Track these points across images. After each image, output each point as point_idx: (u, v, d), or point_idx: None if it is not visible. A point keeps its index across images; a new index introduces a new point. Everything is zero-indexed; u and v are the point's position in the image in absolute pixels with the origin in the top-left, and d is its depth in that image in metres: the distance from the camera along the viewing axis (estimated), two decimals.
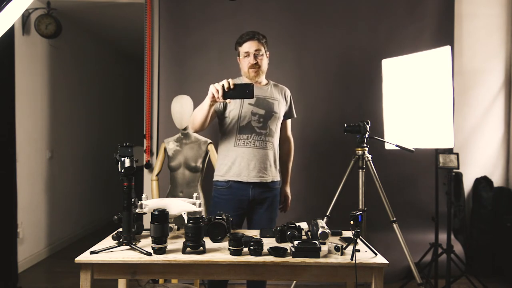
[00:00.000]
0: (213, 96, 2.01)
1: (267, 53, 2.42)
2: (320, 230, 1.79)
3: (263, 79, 2.42)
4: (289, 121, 2.58)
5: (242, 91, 1.99)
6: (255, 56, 2.32)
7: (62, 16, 4.12)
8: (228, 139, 2.35)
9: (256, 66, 2.33)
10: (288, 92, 2.52)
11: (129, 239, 1.68)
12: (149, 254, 1.61)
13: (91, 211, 5.33)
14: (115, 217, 1.79)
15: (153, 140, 3.70)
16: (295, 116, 2.57)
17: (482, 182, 3.70)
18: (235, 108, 2.32)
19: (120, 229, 1.75)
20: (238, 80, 2.40)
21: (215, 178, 2.40)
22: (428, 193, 3.51)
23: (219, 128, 2.42)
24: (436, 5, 3.65)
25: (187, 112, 2.98)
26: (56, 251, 4.37)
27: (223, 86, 1.97)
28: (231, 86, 1.96)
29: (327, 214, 2.76)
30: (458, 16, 3.74)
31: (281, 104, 2.42)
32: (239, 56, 2.41)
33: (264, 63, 2.38)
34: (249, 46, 2.32)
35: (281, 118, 2.45)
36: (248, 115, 2.31)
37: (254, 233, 1.99)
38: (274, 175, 2.39)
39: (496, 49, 3.80)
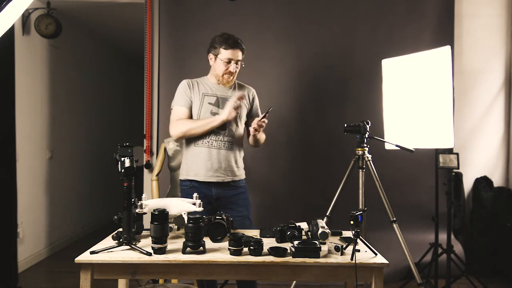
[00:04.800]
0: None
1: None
2: (320, 230, 1.79)
3: None
4: None
5: None
6: (236, 66, 2.32)
7: (62, 16, 4.12)
8: (189, 138, 2.35)
9: (233, 74, 2.33)
10: (252, 93, 2.49)
11: (129, 239, 1.68)
12: (149, 254, 1.61)
13: (91, 211, 5.33)
14: (115, 217, 1.80)
15: (153, 140, 3.70)
16: None
17: (482, 182, 3.70)
18: (194, 107, 2.33)
19: (120, 229, 1.75)
20: (201, 80, 2.40)
21: (180, 177, 2.42)
22: (428, 193, 3.50)
23: None
24: (436, 5, 3.65)
25: None
26: (56, 251, 4.37)
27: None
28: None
29: (327, 214, 2.76)
30: (458, 16, 3.73)
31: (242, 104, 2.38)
32: (215, 55, 2.34)
33: (237, 71, 2.38)
34: (234, 55, 2.30)
35: (243, 118, 2.41)
36: (207, 114, 2.31)
37: (254, 233, 1.99)
38: (235, 175, 2.37)
39: (496, 49, 3.80)
